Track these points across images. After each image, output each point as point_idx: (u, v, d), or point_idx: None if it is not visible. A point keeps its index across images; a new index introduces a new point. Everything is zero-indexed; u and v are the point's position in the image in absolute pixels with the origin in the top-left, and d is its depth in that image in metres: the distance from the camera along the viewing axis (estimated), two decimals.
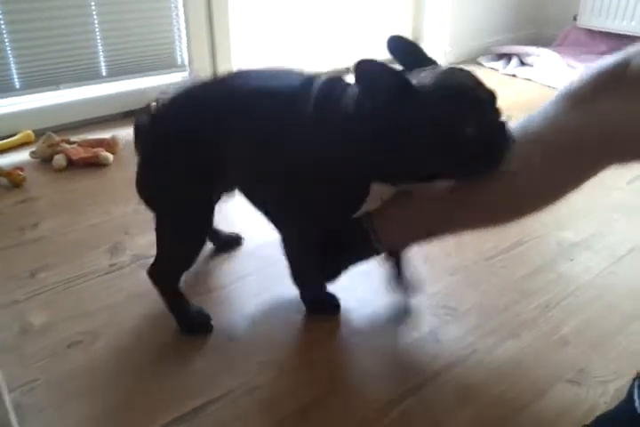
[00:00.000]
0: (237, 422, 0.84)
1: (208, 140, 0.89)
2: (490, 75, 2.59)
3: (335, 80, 0.87)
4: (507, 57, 2.73)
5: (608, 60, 0.76)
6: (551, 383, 0.90)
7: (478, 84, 0.81)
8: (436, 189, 0.88)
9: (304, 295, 1.06)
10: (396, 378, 0.92)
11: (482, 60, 2.74)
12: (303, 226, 0.95)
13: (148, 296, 1.09)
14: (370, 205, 0.91)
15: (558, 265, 1.21)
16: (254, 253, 1.25)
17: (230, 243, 1.28)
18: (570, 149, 0.78)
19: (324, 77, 0.87)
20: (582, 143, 0.77)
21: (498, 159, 0.79)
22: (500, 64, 2.67)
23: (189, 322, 1.03)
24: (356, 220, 0.95)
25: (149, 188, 0.98)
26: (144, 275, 1.15)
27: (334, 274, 1.05)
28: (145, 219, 1.35)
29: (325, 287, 1.07)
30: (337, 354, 0.97)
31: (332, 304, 1.07)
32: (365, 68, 0.76)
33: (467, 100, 0.78)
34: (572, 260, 1.23)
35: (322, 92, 0.84)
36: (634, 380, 0.70)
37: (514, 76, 2.57)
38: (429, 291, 1.13)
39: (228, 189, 1.02)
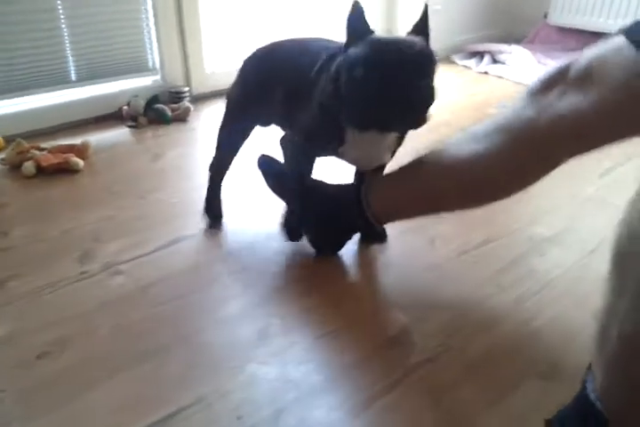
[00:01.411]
0: None
1: (265, 82, 1.18)
2: (463, 73, 2.61)
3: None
4: (479, 55, 2.75)
5: (558, 63, 0.89)
6: (522, 378, 0.91)
7: (404, 54, 0.92)
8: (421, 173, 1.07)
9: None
10: (369, 377, 0.92)
11: (455, 57, 2.76)
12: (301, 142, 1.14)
13: (119, 304, 1.09)
14: (354, 152, 1.09)
15: (530, 260, 1.22)
16: (224, 259, 1.25)
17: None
18: (528, 137, 0.90)
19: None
20: (537, 132, 0.88)
21: (385, 124, 0.97)
22: (472, 62, 2.69)
23: (206, 208, 1.38)
24: (353, 194, 1.15)
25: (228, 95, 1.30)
26: (115, 282, 1.15)
27: (333, 247, 1.24)
28: (115, 225, 1.35)
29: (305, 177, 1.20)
30: (308, 355, 0.97)
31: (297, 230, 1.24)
32: (355, 6, 0.98)
33: (373, 59, 0.92)
34: (543, 255, 1.24)
35: (330, 57, 1.05)
36: (587, 370, 0.71)
37: (486, 73, 2.59)
38: (402, 289, 1.13)
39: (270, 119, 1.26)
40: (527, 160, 0.93)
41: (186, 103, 2.13)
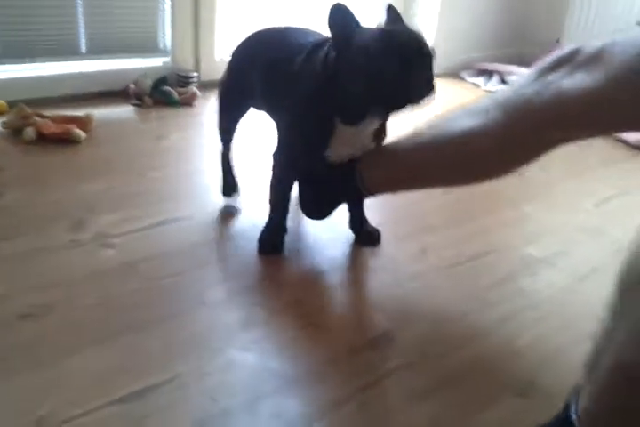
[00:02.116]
0: (182, 406, 0.82)
1: (248, 67, 1.22)
2: (471, 90, 2.62)
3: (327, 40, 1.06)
4: (488, 73, 2.77)
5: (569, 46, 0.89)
6: (498, 395, 0.90)
7: (419, 42, 0.96)
8: (414, 145, 1.07)
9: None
10: (345, 375, 0.92)
11: (464, 74, 2.78)
12: (284, 157, 1.16)
13: (106, 276, 1.08)
14: (340, 148, 1.10)
15: (520, 279, 1.22)
16: (216, 244, 1.24)
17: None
18: (525, 113, 0.89)
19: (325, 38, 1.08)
20: (534, 108, 0.88)
21: (414, 98, 0.96)
22: (481, 80, 2.71)
23: (222, 181, 1.40)
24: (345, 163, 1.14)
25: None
26: (104, 254, 1.14)
27: (323, 212, 1.24)
28: (111, 199, 1.34)
29: (283, 228, 1.22)
30: (288, 347, 0.97)
31: (277, 243, 1.22)
32: (334, 7, 0.96)
33: (396, 46, 0.94)
34: (533, 275, 1.24)
35: (315, 47, 1.07)
36: (572, 392, 0.71)
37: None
38: (388, 294, 1.13)
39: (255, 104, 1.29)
40: (521, 136, 0.92)
41: (193, 88, 2.12)
